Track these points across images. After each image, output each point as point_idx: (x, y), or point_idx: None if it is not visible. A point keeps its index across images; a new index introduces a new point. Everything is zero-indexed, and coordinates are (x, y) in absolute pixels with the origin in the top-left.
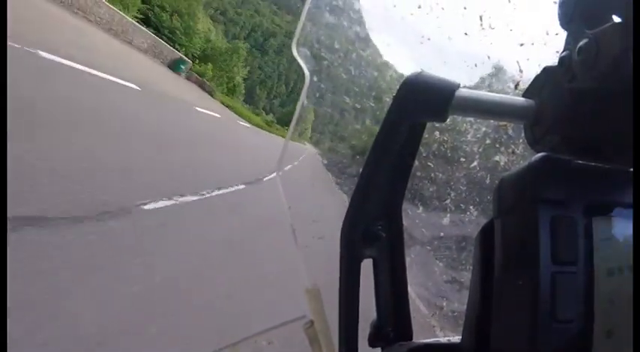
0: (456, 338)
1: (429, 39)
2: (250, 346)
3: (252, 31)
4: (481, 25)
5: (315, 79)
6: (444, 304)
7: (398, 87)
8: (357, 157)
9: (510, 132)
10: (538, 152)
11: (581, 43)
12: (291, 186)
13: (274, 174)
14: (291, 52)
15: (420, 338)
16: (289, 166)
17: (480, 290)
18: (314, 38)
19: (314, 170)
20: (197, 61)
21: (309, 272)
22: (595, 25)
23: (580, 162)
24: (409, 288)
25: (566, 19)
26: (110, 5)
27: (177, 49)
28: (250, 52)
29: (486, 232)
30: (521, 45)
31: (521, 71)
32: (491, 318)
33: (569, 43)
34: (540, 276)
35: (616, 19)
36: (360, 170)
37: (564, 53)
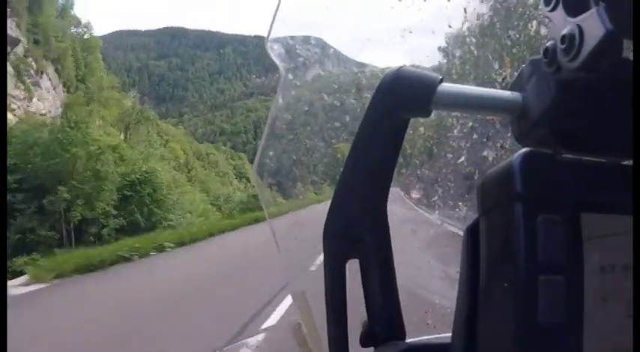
0: (449, 337)
1: (410, 32)
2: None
3: (256, 127)
4: (465, 17)
5: (290, 76)
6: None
7: (378, 83)
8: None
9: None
10: (526, 146)
11: (564, 32)
12: None
13: None
14: None
15: (413, 336)
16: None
17: (468, 290)
18: (288, 34)
19: None
20: None
21: (295, 275)
22: (579, 12)
23: (568, 156)
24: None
25: (550, 6)
26: None
27: None
28: None
29: (472, 230)
30: (508, 36)
31: (507, 63)
32: (478, 319)
33: (554, 32)
34: (522, 279)
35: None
36: (341, 169)
37: (548, 43)
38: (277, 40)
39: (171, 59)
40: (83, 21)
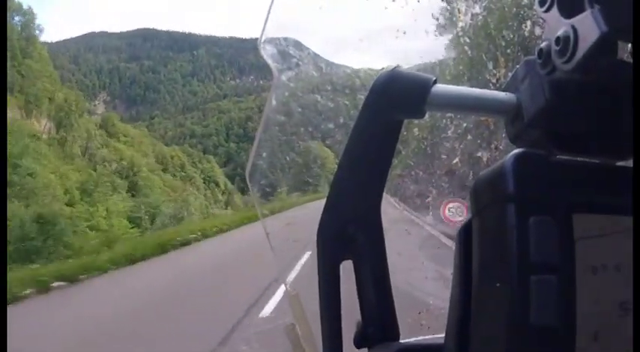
0: (443, 337)
1: (404, 33)
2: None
3: (229, 129)
4: (459, 17)
5: (283, 78)
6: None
7: (372, 84)
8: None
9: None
10: (519, 147)
11: (558, 33)
12: None
13: None
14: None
15: (407, 337)
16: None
17: (461, 290)
18: (280, 35)
19: None
20: None
21: (288, 275)
22: (573, 13)
23: (562, 157)
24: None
25: (544, 7)
26: None
27: None
28: (240, 147)
29: (466, 231)
30: (502, 37)
31: (501, 64)
32: (471, 319)
33: (548, 34)
34: (515, 279)
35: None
36: (335, 170)
37: (543, 44)
38: (270, 42)
39: (143, 61)
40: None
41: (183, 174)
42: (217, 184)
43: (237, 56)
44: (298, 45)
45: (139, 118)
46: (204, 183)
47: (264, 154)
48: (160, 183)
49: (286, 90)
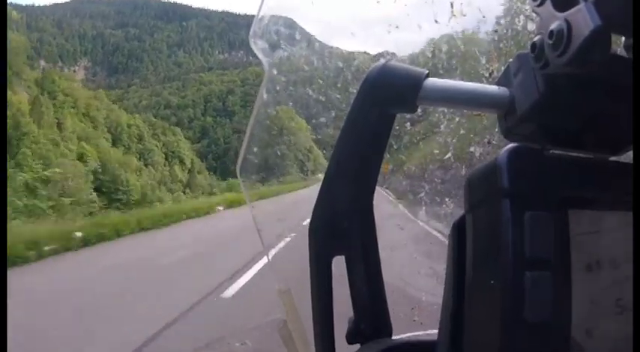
0: (436, 333)
1: (397, 27)
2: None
3: (207, 101)
4: (452, 12)
5: (274, 71)
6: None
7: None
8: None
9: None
10: (513, 142)
11: (552, 27)
12: None
13: None
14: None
15: (399, 333)
16: None
17: (454, 286)
18: (272, 29)
19: None
20: None
21: (279, 272)
22: (567, 7)
23: (555, 151)
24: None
25: (537, 1)
26: None
27: None
28: (217, 122)
29: (459, 227)
30: (495, 31)
31: (494, 58)
32: (465, 315)
33: (541, 27)
34: (509, 276)
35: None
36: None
37: (536, 38)
38: (261, 36)
39: (129, 29)
40: None
41: (140, 146)
42: (181, 161)
43: (229, 31)
44: (290, 39)
45: (117, 86)
46: (165, 158)
47: (256, 149)
48: (93, 153)
49: (278, 84)
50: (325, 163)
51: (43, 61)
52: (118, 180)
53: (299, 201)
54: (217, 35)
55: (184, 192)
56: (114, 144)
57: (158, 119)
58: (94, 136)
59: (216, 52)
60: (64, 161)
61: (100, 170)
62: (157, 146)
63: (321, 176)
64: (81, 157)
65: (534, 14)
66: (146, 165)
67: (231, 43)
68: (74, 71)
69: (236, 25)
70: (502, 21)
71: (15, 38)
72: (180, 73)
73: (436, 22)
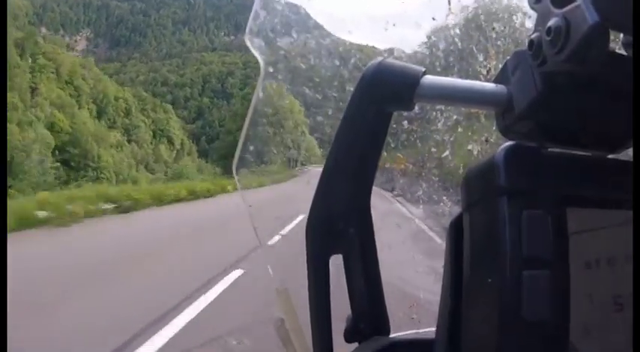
0: (434, 332)
1: (394, 25)
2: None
3: (206, 81)
4: (449, 9)
5: (270, 70)
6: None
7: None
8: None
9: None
10: (510, 140)
11: (550, 23)
12: None
13: None
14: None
15: (398, 332)
16: None
17: (452, 284)
18: (268, 27)
19: None
20: None
21: (276, 270)
22: (565, 3)
23: (553, 149)
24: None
25: None
26: None
27: None
28: (213, 104)
29: (456, 225)
30: (493, 29)
31: (492, 56)
32: (462, 313)
33: (539, 24)
34: (507, 274)
35: None
36: (324, 163)
37: (533, 35)
38: (258, 33)
39: (135, 2)
40: None
41: (126, 121)
42: (170, 140)
43: (237, 13)
44: (286, 37)
45: (116, 59)
46: (153, 136)
47: (252, 148)
48: (66, 123)
49: (274, 82)
50: (318, 152)
51: (44, 28)
52: (88, 155)
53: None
54: (224, 16)
55: (166, 174)
56: (98, 116)
57: (150, 94)
58: (70, 105)
59: (222, 33)
60: (12, 128)
61: (72, 142)
62: (144, 122)
63: (312, 167)
64: (51, 126)
65: (532, 11)
66: (129, 142)
67: (237, 25)
68: (75, 41)
69: (244, 8)
70: (500, 18)
71: (17, 1)
72: (182, 52)
73: (433, 19)
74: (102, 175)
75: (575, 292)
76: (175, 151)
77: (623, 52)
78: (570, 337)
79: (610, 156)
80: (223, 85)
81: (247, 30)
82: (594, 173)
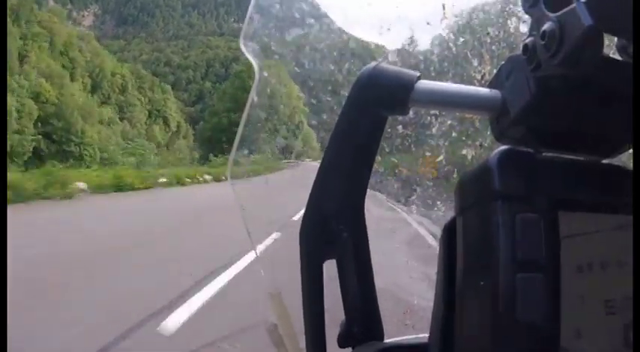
0: (427, 337)
1: (388, 29)
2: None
3: (209, 65)
4: (444, 13)
5: (265, 74)
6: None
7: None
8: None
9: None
10: (505, 144)
11: (544, 27)
12: None
13: None
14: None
15: (391, 337)
16: None
17: (445, 288)
18: (263, 32)
19: None
20: None
21: (270, 274)
22: (559, 7)
23: (547, 154)
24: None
25: (529, 2)
26: None
27: None
28: (215, 88)
29: (450, 230)
30: (487, 33)
31: (486, 61)
32: (455, 318)
33: (533, 29)
34: (501, 277)
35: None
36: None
37: (528, 40)
38: (252, 37)
39: None
40: None
41: (121, 98)
42: (166, 121)
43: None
44: (281, 41)
45: (122, 37)
46: (148, 116)
47: (246, 151)
48: (52, 95)
49: (268, 86)
50: (317, 146)
51: (52, 0)
52: (72, 129)
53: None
54: (235, 2)
55: (156, 155)
56: (93, 91)
57: (150, 73)
58: (59, 76)
59: (232, 19)
60: None
61: (57, 114)
62: (140, 101)
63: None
64: (37, 96)
65: (526, 16)
66: (122, 119)
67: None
68: (83, 16)
69: None
70: (494, 23)
71: None
72: (189, 34)
73: (428, 24)
74: (85, 152)
75: (567, 295)
76: (170, 133)
77: (617, 56)
78: (562, 340)
79: (604, 161)
80: (227, 70)
81: (242, 34)
82: (588, 177)
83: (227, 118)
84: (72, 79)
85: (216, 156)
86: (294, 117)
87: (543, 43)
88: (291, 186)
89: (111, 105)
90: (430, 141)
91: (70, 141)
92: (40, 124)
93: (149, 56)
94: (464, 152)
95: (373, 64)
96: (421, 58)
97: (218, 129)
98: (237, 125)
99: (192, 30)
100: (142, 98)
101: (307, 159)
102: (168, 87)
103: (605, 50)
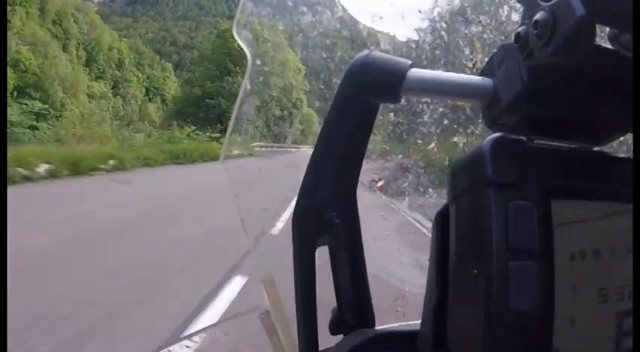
0: (418, 324)
1: (380, 18)
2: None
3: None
4: (436, 2)
5: (258, 61)
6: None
7: (347, 67)
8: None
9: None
10: (496, 132)
11: (537, 17)
12: None
13: None
14: None
15: (382, 324)
16: None
17: (437, 276)
18: (256, 20)
19: None
20: None
21: (262, 261)
22: None
23: (539, 142)
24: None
25: None
26: None
27: None
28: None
29: (442, 217)
30: (479, 22)
31: (478, 49)
32: (448, 305)
33: (525, 17)
34: (494, 265)
35: None
36: (310, 154)
37: (520, 28)
38: (245, 26)
39: None
40: None
41: (117, 73)
42: (164, 100)
43: None
44: (274, 29)
45: (130, 15)
46: (145, 94)
47: (239, 139)
48: (33, 63)
49: (261, 74)
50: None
51: None
52: (49, 101)
53: None
54: None
55: (149, 135)
56: (87, 64)
57: (151, 50)
58: (44, 44)
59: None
60: None
61: (36, 85)
62: (137, 77)
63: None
64: (15, 64)
65: (518, 4)
66: (115, 95)
67: None
68: None
69: None
70: (486, 11)
71: None
72: (198, 15)
73: (420, 12)
74: (62, 127)
75: (559, 283)
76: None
77: (608, 45)
78: (554, 327)
79: (596, 149)
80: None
81: (235, 22)
82: (580, 165)
83: (201, 88)
84: (64, 50)
85: (181, 126)
86: (291, 94)
87: (536, 32)
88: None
89: (106, 80)
90: (422, 128)
91: (48, 113)
92: (16, 94)
93: (155, 35)
94: (455, 139)
95: (365, 52)
96: (413, 46)
97: (190, 102)
98: (212, 97)
99: (202, 11)
100: (140, 75)
101: (306, 146)
102: (169, 65)
103: (596, 39)
